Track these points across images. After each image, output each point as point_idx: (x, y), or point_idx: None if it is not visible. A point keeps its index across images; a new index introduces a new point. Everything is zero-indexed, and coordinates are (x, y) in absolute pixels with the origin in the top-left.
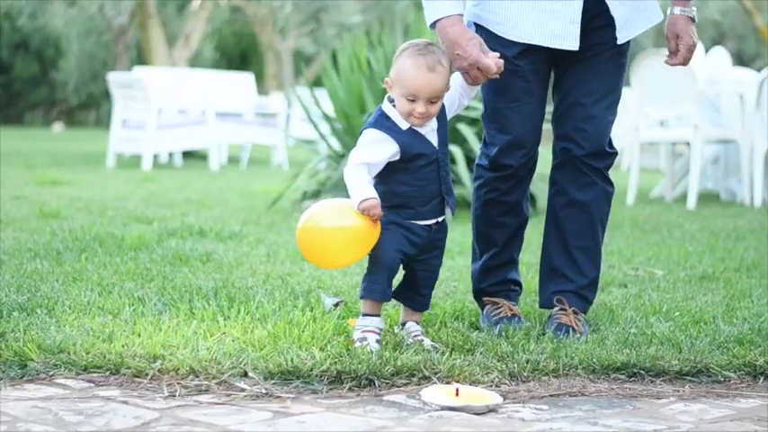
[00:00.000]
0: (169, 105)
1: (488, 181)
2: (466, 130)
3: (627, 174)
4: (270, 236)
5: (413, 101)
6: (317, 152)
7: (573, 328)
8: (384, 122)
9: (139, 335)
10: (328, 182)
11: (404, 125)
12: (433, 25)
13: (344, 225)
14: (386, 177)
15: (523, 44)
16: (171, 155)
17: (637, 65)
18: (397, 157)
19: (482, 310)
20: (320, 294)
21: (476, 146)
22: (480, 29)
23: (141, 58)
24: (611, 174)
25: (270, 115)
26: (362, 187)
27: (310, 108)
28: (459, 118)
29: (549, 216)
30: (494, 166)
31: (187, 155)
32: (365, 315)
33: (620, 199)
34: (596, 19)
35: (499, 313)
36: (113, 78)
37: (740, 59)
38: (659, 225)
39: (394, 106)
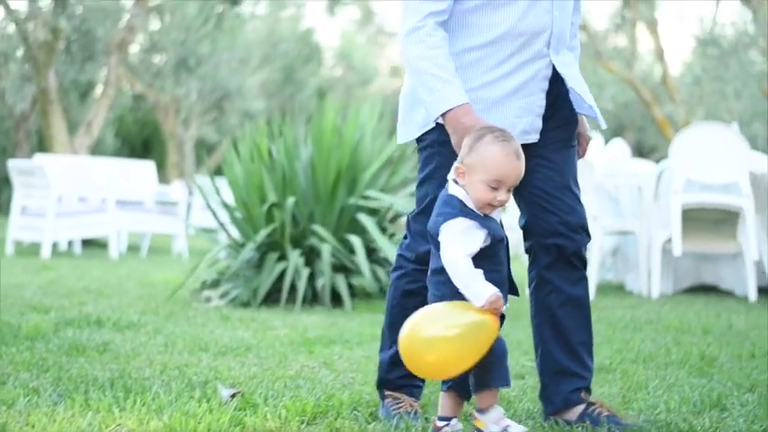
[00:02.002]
0: (69, 193)
1: (411, 272)
2: (366, 220)
3: (525, 264)
4: (168, 326)
5: (496, 188)
6: (217, 241)
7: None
8: (466, 209)
9: (33, 426)
10: (228, 271)
11: (478, 211)
12: (442, 115)
13: (475, 321)
14: None
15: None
16: (70, 243)
17: None
18: (487, 243)
19: (382, 400)
20: (217, 385)
21: (376, 236)
22: (443, 127)
23: (42, 145)
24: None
25: (171, 204)
26: (482, 282)
27: (211, 197)
28: (357, 208)
29: (545, 318)
30: (420, 260)
31: (87, 243)
32: (484, 410)
33: (519, 288)
34: (549, 109)
35: (399, 407)
36: (13, 165)
37: (639, 151)
38: None
39: None
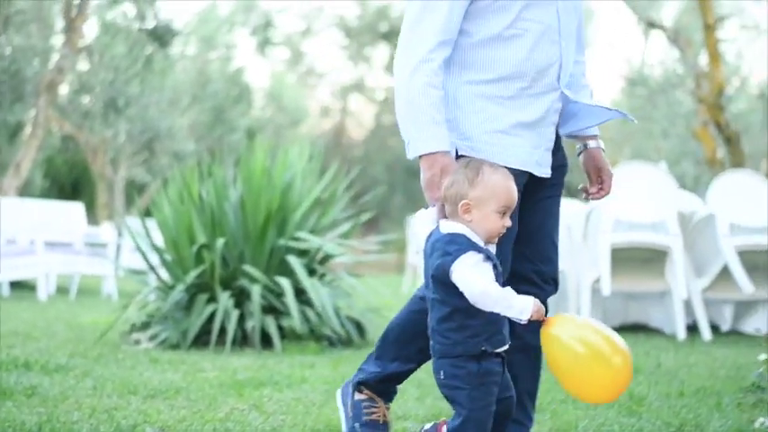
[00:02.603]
0: None
1: None
2: (295, 261)
3: None
4: (97, 368)
5: (503, 214)
6: (146, 283)
7: None
8: (473, 243)
9: None
10: (157, 313)
11: (482, 243)
12: (423, 154)
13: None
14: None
15: (518, 170)
16: None
17: None
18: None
19: (354, 394)
20: (146, 429)
21: (304, 278)
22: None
23: None
24: None
25: (100, 245)
26: (519, 296)
27: (140, 238)
28: (287, 249)
29: None
30: None
31: (15, 284)
32: None
33: None
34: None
35: (372, 413)
36: None
37: (568, 190)
38: None
39: None
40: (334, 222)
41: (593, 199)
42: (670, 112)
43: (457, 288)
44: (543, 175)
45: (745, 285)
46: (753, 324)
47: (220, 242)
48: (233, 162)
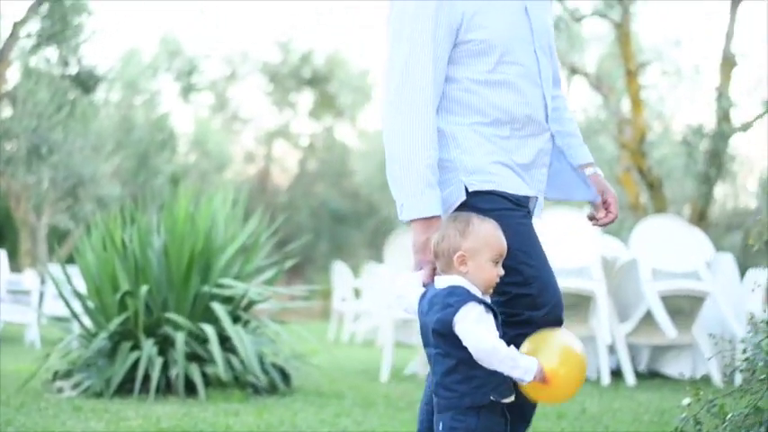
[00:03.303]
0: None
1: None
2: (218, 308)
3: (380, 350)
4: (19, 417)
5: (496, 263)
6: (69, 330)
7: None
8: (472, 295)
9: None
10: (80, 361)
11: (480, 294)
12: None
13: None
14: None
15: (527, 197)
16: None
17: (391, 241)
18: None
19: None
20: None
21: (228, 325)
22: (482, 195)
23: None
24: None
25: (22, 292)
26: (524, 356)
27: (63, 285)
28: (212, 296)
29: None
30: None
31: None
32: None
33: (373, 375)
34: None
35: None
36: None
37: None
38: (413, 402)
39: None
40: (258, 269)
41: (601, 225)
42: (593, 158)
43: (459, 340)
44: (538, 215)
45: (669, 330)
46: (676, 368)
47: (144, 289)
48: (157, 208)
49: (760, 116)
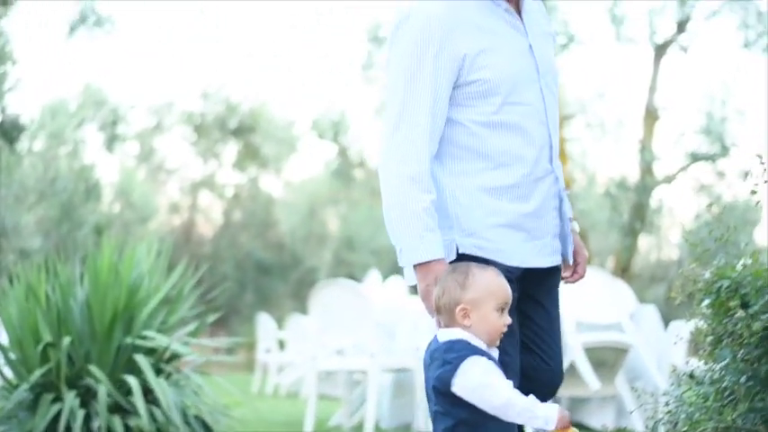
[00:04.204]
0: None
1: None
2: (142, 360)
3: (304, 402)
4: None
5: (502, 311)
6: None
7: None
8: (473, 348)
9: None
10: (1, 413)
11: (484, 346)
12: (418, 263)
13: None
14: (478, 411)
15: (518, 268)
16: None
17: (315, 293)
18: None
19: None
20: None
21: (151, 378)
22: (473, 260)
23: None
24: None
25: None
26: (543, 404)
27: None
28: (135, 347)
29: None
30: None
31: None
32: None
33: (297, 427)
34: None
35: None
36: None
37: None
38: None
39: None
40: (182, 320)
41: (566, 283)
42: None
43: (459, 399)
44: (552, 264)
45: (592, 382)
46: (599, 420)
47: (66, 341)
48: (80, 259)
49: (683, 169)
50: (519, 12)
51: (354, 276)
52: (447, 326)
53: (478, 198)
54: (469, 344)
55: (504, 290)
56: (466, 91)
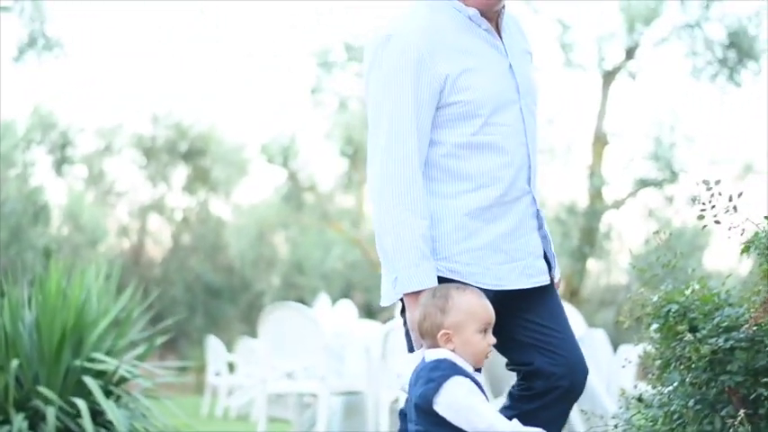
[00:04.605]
0: None
1: None
2: (92, 383)
3: (255, 425)
4: None
5: (485, 332)
6: None
7: None
8: (458, 368)
9: None
10: None
11: (470, 368)
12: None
13: None
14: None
15: (500, 291)
16: None
17: (265, 316)
18: None
19: None
20: None
21: (101, 399)
22: (450, 282)
23: None
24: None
25: None
26: (527, 428)
27: None
28: (84, 370)
29: None
30: None
31: None
32: None
33: None
34: None
35: None
36: None
37: (368, 311)
38: None
39: None
40: (131, 343)
41: None
42: None
43: (441, 418)
44: (536, 285)
45: None
46: None
47: (15, 363)
48: (28, 282)
49: (632, 194)
50: (499, 31)
51: (304, 300)
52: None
53: (456, 220)
54: (455, 364)
55: (485, 310)
56: (447, 112)
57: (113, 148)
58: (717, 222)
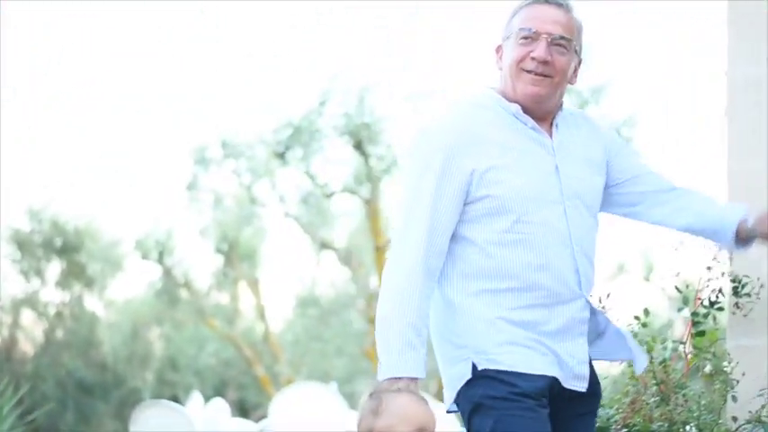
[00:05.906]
0: None
1: None
2: None
3: None
4: None
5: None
6: None
7: None
8: None
9: None
10: None
11: None
12: (398, 378)
13: None
14: None
15: (548, 377)
16: None
17: (138, 414)
18: None
19: None
20: None
21: None
22: (486, 376)
23: None
24: None
25: None
26: None
27: None
28: None
29: None
30: None
31: None
32: None
33: None
34: None
35: None
36: None
37: (242, 409)
38: None
39: None
40: None
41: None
42: (342, 332)
43: None
44: (578, 389)
45: None
46: None
47: None
48: None
49: None
50: (551, 131)
51: (178, 397)
52: None
53: (490, 320)
54: None
55: (418, 416)
56: (476, 207)
57: None
58: None
